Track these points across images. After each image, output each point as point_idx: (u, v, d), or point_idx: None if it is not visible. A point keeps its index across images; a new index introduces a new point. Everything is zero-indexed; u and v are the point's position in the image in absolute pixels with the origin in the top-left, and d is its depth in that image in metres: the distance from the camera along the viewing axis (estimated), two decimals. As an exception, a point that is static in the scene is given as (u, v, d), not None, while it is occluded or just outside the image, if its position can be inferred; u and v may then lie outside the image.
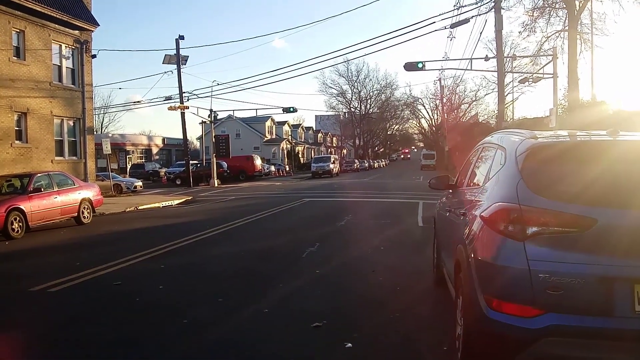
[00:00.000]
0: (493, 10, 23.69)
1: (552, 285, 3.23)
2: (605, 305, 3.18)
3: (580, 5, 29.05)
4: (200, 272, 8.39)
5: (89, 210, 16.15)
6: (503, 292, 3.42)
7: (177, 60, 37.78)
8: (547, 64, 31.00)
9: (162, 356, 4.78)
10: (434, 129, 78.00)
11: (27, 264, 9.97)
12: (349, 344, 4.85)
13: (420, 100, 78.28)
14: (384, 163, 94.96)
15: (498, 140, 4.75)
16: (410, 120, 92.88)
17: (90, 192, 16.59)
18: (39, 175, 14.92)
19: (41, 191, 14.28)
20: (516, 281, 3.33)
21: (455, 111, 72.71)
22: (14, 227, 12.96)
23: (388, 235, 11.61)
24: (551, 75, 28.46)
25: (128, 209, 20.41)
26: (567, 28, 29.64)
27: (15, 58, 20.80)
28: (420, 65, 26.64)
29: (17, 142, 20.73)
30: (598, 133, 4.25)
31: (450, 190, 6.31)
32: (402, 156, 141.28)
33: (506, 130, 5.04)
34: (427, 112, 79.81)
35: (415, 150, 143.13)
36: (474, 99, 68.46)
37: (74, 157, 24.24)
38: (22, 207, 13.32)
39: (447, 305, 5.33)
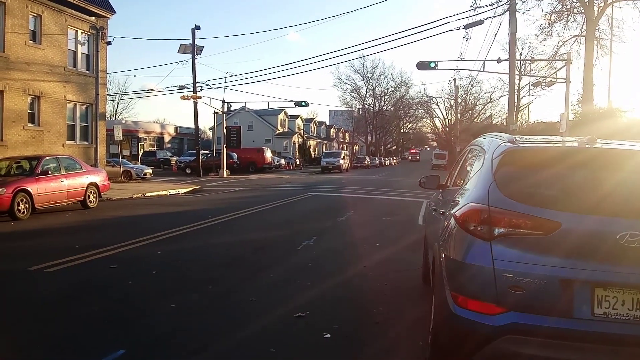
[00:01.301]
0: (508, 12, 23.59)
1: (515, 285, 3.33)
2: (566, 307, 3.27)
3: (599, 10, 28.89)
4: (195, 259, 8.55)
5: (95, 195, 16.41)
6: (468, 290, 3.52)
7: (192, 50, 37.99)
8: (560, 68, 30.88)
9: (145, 336, 4.93)
10: (447, 128, 77.74)
11: (29, 244, 10.20)
12: (328, 335, 4.99)
13: (434, 100, 78.12)
14: (395, 161, 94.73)
15: (482, 142, 4.84)
16: (424, 119, 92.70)
17: (98, 177, 16.85)
18: (47, 158, 15.20)
19: (49, 174, 14.54)
20: (481, 279, 3.44)
21: (470, 112, 72.51)
22: (20, 208, 13.23)
23: (386, 233, 11.72)
24: (564, 80, 28.33)
25: (135, 196, 20.66)
26: (584, 33, 29.49)
27: (32, 42, 21.08)
28: (432, 65, 26.64)
29: (29, 124, 21.03)
30: (576, 140, 4.34)
31: (440, 190, 6.40)
32: (409, 157, 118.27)
33: (492, 133, 5.13)
34: (441, 112, 79.63)
35: (428, 149, 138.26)
36: (489, 100, 68.28)
37: (85, 142, 24.54)
38: (29, 188, 13.59)
39: (429, 302, 5.43)
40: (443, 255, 3.94)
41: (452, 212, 4.10)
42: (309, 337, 4.98)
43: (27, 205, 13.49)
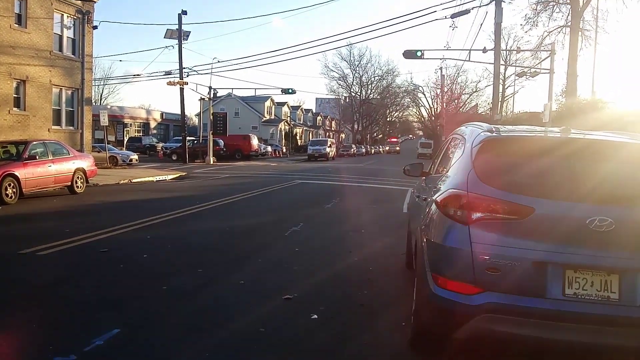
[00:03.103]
0: (494, 2, 23.79)
1: (492, 266, 3.55)
2: (539, 288, 3.50)
3: (585, 1, 29.13)
4: (184, 244, 8.71)
5: (82, 180, 16.43)
6: (448, 271, 3.74)
7: (179, 35, 37.82)
8: (545, 58, 31.23)
9: (138, 317, 5.11)
10: (433, 117, 78.14)
11: (19, 228, 10.29)
12: (315, 316, 5.21)
13: (420, 88, 78.42)
14: (381, 149, 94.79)
15: (464, 131, 5.05)
16: (410, 108, 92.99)
17: (85, 163, 16.87)
18: (34, 143, 15.19)
19: (36, 159, 14.55)
20: (459, 261, 3.65)
21: (456, 101, 72.90)
22: (7, 192, 13.26)
23: (371, 219, 11.94)
24: (548, 71, 28.66)
25: (122, 181, 20.69)
26: (569, 24, 29.79)
27: (17, 25, 20.93)
28: (419, 54, 26.81)
29: (15, 109, 20.93)
30: (551, 130, 4.56)
31: (424, 177, 6.61)
32: (387, 148, 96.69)
33: (473, 123, 5.34)
34: (427, 101, 79.99)
35: (413, 138, 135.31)
36: (474, 89, 68.74)
37: (71, 127, 24.47)
38: (16, 173, 13.61)
39: (412, 286, 5.66)
40: (425, 239, 4.15)
41: (433, 197, 4.31)
42: (296, 318, 5.19)
43: (14, 190, 13.52)
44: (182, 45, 37.86)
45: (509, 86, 57.64)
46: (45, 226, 10.41)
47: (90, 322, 4.93)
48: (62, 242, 8.35)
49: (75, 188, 16.02)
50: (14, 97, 21.01)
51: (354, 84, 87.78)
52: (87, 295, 5.80)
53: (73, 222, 10.59)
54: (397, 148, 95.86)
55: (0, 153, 15.12)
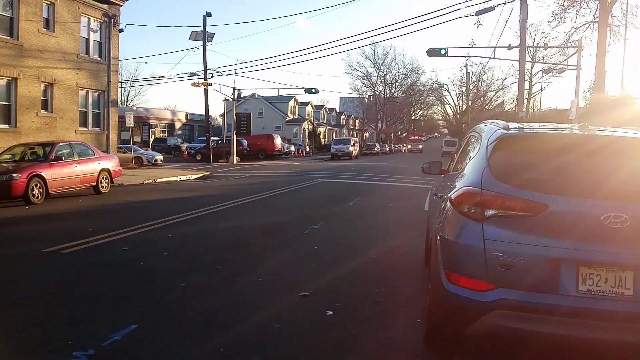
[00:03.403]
0: (519, -1, 23.45)
1: (505, 263, 3.52)
2: (552, 284, 3.46)
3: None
4: (204, 242, 8.81)
5: (107, 180, 16.71)
6: (461, 268, 3.72)
7: (203, 37, 38.16)
8: (572, 55, 30.74)
9: (157, 313, 5.18)
10: (458, 115, 77.52)
11: (44, 227, 10.53)
12: (330, 312, 5.22)
13: (445, 86, 77.90)
14: (405, 148, 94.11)
15: (482, 129, 5.01)
16: (435, 106, 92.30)
17: (110, 163, 17.15)
18: (60, 144, 15.52)
19: (62, 160, 14.85)
20: (472, 258, 3.63)
21: (481, 99, 72.30)
22: (34, 192, 13.56)
23: (391, 218, 11.92)
24: (575, 67, 28.20)
25: (146, 181, 20.99)
26: (597, 19, 29.26)
27: (45, 29, 21.36)
28: (442, 52, 26.66)
29: (42, 111, 21.37)
30: (569, 127, 4.50)
31: (443, 175, 6.58)
32: (409, 146, 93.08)
33: (491, 120, 5.28)
34: (452, 99, 79.41)
35: (438, 136, 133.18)
36: (500, 87, 68.07)
37: (97, 129, 24.88)
38: (43, 174, 13.91)
39: (429, 283, 5.64)
40: (439, 236, 4.14)
41: (448, 195, 4.29)
42: (312, 314, 5.21)
43: (41, 190, 13.81)
44: (207, 47, 38.24)
45: (535, 83, 57.02)
46: (69, 225, 10.62)
47: (109, 318, 5.02)
48: (85, 240, 8.51)
49: (100, 188, 16.30)
50: (42, 99, 21.44)
51: (378, 82, 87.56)
52: (107, 292, 5.90)
53: (97, 222, 10.79)
54: (420, 146, 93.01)
55: (28, 154, 15.47)
